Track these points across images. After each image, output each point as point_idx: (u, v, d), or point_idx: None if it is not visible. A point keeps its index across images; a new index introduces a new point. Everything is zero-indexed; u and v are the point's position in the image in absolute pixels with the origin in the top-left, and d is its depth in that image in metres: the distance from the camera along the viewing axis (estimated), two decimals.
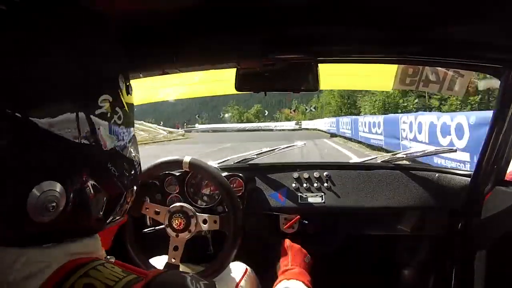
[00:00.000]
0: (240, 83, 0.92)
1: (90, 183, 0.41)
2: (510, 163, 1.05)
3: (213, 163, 1.32)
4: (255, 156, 1.41)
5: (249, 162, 1.40)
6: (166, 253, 1.06)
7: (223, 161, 1.41)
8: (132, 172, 0.48)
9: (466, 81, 1.44)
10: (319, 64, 0.89)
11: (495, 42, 0.79)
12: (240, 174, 1.26)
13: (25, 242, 0.38)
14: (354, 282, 1.42)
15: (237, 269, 1.14)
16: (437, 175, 1.26)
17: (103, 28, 0.46)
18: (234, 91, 0.95)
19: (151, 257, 1.11)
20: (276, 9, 0.65)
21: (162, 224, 1.03)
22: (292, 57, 0.88)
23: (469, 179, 1.19)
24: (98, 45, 0.44)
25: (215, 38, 0.79)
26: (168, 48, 0.83)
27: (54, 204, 0.37)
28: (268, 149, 1.43)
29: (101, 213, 0.44)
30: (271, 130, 34.41)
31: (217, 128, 41.16)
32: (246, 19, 0.69)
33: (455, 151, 1.49)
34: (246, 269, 1.15)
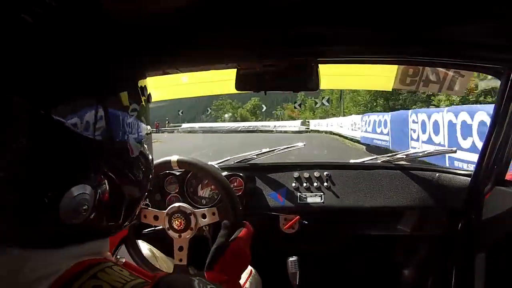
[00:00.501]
0: (240, 83, 0.93)
1: (116, 186, 0.42)
2: (510, 163, 1.05)
3: (213, 163, 1.32)
4: (255, 156, 1.42)
5: (249, 162, 1.40)
6: (167, 253, 1.05)
7: (223, 161, 1.41)
8: (150, 177, 0.50)
9: (466, 81, 1.44)
10: (319, 64, 0.89)
11: (495, 42, 0.79)
12: (240, 174, 1.26)
13: (44, 244, 0.39)
14: (353, 282, 1.42)
15: None
16: (437, 175, 1.26)
17: (122, 32, 0.48)
18: (234, 91, 0.95)
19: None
20: (276, 9, 0.65)
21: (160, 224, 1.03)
22: (292, 57, 0.88)
23: (469, 179, 1.18)
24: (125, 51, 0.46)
25: (215, 38, 0.79)
26: (168, 48, 0.83)
27: (86, 207, 0.39)
28: (268, 149, 1.44)
29: (121, 215, 0.45)
30: (271, 131, 27.11)
31: (204, 128, 32.98)
32: (246, 19, 0.69)
33: (455, 151, 1.49)
34: (251, 270, 1.14)
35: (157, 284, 0.38)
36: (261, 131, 27.34)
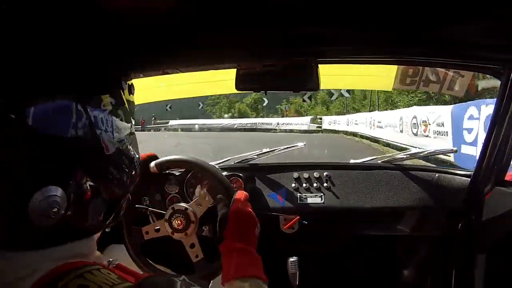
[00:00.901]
0: (240, 83, 0.93)
1: (92, 187, 0.40)
2: (511, 163, 1.05)
3: (213, 163, 1.32)
4: (255, 156, 1.41)
5: (249, 162, 1.40)
6: (168, 253, 1.05)
7: (223, 161, 1.40)
8: (133, 173, 0.48)
9: (466, 81, 1.44)
10: (319, 64, 0.89)
11: (495, 42, 0.79)
12: (240, 174, 1.26)
13: (24, 245, 0.38)
14: (353, 282, 1.42)
15: None
16: (437, 175, 1.26)
17: (109, 28, 0.47)
18: (234, 91, 0.95)
19: (154, 259, 1.10)
20: (276, 9, 0.65)
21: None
22: (292, 57, 0.88)
23: (469, 179, 1.18)
24: (102, 45, 0.45)
25: (214, 38, 0.79)
26: (168, 48, 0.83)
27: (56, 209, 0.37)
28: (268, 149, 1.43)
29: (101, 215, 0.43)
30: (274, 130, 22.36)
31: (194, 126, 27.22)
32: (245, 19, 0.69)
33: (456, 151, 1.49)
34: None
35: (139, 285, 0.38)
36: (261, 130, 22.96)
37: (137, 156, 0.50)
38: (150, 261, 1.05)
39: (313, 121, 21.90)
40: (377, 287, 1.44)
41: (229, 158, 1.45)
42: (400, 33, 0.77)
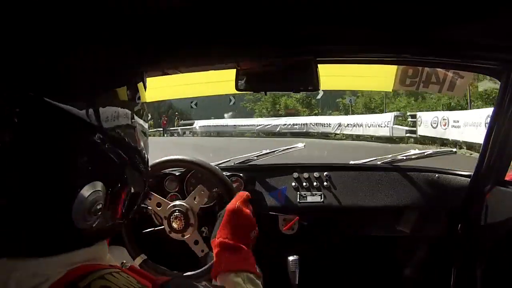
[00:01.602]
0: (239, 83, 0.93)
1: (124, 180, 0.40)
2: (511, 163, 1.05)
3: (213, 164, 1.32)
4: (256, 157, 1.42)
5: (250, 163, 1.40)
6: (167, 253, 1.05)
7: (223, 162, 1.41)
8: (149, 169, 0.48)
9: (466, 82, 1.44)
10: (319, 64, 0.89)
11: (494, 43, 0.79)
12: (241, 175, 1.26)
13: (57, 250, 0.36)
14: (353, 283, 1.42)
15: None
16: (436, 175, 1.26)
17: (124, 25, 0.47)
18: (234, 91, 0.95)
19: (155, 259, 1.10)
20: (276, 9, 0.65)
21: (161, 225, 1.03)
22: (292, 57, 0.88)
23: (469, 179, 1.18)
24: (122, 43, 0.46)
25: (214, 38, 0.79)
26: (167, 49, 0.83)
27: (100, 206, 0.36)
28: (268, 150, 1.44)
29: (125, 209, 0.42)
30: (334, 135, 13.42)
31: (227, 128, 17.43)
32: (245, 19, 0.69)
33: (455, 152, 1.49)
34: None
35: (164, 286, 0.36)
36: (316, 134, 13.98)
37: (148, 150, 0.49)
38: (155, 264, 1.04)
39: (399, 120, 11.12)
40: (376, 287, 1.44)
41: (229, 159, 1.45)
42: (400, 33, 0.77)
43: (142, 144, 0.43)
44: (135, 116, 0.41)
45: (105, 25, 0.45)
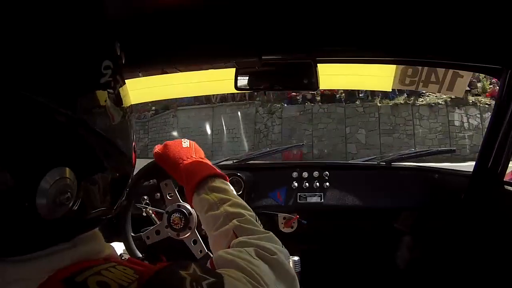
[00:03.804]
0: (239, 83, 0.92)
1: (100, 164, 0.35)
2: (510, 163, 1.05)
3: (212, 163, 1.32)
4: (255, 156, 1.42)
5: (249, 162, 1.40)
6: (171, 253, 1.04)
7: (222, 161, 1.40)
8: (136, 149, 0.42)
9: (465, 81, 1.44)
10: (318, 64, 0.89)
11: (494, 43, 0.79)
12: (239, 174, 1.26)
13: (30, 248, 0.32)
14: (352, 282, 1.42)
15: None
16: (436, 175, 1.26)
17: None
18: (233, 90, 0.95)
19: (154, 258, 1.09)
20: (275, 9, 0.65)
21: (159, 223, 1.02)
22: (292, 57, 0.88)
23: (468, 179, 1.19)
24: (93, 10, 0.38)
25: (214, 38, 0.79)
26: (167, 48, 0.83)
27: (69, 194, 0.31)
28: (268, 150, 1.44)
29: (109, 197, 0.38)
30: None
31: None
32: (245, 19, 0.69)
33: (454, 151, 1.49)
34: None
35: (146, 284, 0.33)
36: None
37: (132, 127, 0.43)
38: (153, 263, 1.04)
39: None
40: (376, 286, 1.45)
41: (228, 158, 1.45)
42: (400, 33, 0.77)
43: (121, 123, 0.38)
44: (108, 94, 0.36)
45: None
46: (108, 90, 0.36)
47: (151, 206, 1.06)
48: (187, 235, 0.99)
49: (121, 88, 0.39)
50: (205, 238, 1.04)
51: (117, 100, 0.38)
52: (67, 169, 0.31)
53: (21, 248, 0.32)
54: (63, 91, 0.31)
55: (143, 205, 1.08)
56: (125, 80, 0.42)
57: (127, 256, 0.42)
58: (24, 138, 0.29)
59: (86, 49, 0.35)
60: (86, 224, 0.37)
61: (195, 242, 0.99)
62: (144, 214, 1.06)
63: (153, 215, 1.07)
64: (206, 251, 0.98)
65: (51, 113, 0.30)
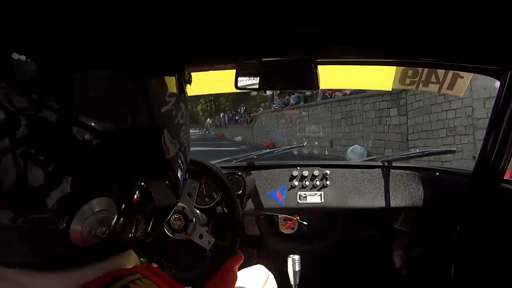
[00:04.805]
0: (239, 83, 0.93)
1: (146, 195, 0.33)
2: (510, 163, 1.05)
3: (213, 162, 1.32)
4: (255, 156, 1.42)
5: (249, 162, 1.41)
6: (169, 253, 1.04)
7: (223, 161, 1.41)
8: (187, 179, 0.41)
9: (465, 81, 1.44)
10: (318, 64, 0.89)
11: (494, 43, 0.79)
12: (240, 173, 1.26)
13: (56, 265, 0.31)
14: (352, 282, 1.42)
15: (258, 274, 1.07)
16: (437, 174, 1.26)
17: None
18: (233, 90, 0.95)
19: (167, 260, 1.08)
20: (275, 9, 0.64)
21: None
22: (292, 57, 0.88)
23: (468, 178, 1.19)
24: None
25: (214, 38, 0.79)
26: (167, 48, 0.82)
27: (105, 228, 0.29)
28: (268, 150, 1.44)
29: (149, 227, 0.36)
30: None
31: None
32: (245, 18, 0.69)
33: (454, 151, 1.49)
34: (268, 275, 1.09)
35: None
36: None
37: (188, 157, 0.41)
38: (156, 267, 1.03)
39: None
40: (376, 286, 1.44)
41: (229, 157, 1.45)
42: (400, 34, 0.77)
43: (175, 151, 0.35)
44: (167, 125, 0.33)
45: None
46: (168, 120, 0.33)
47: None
48: (191, 233, 0.98)
49: (182, 117, 0.36)
50: (185, 248, 1.03)
51: (176, 131, 0.35)
52: (111, 201, 0.29)
53: (49, 263, 0.31)
54: (118, 121, 0.29)
55: None
56: None
57: (145, 264, 0.41)
58: (77, 162, 0.28)
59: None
60: (118, 248, 0.35)
61: (201, 236, 0.98)
62: None
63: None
64: (214, 240, 0.97)
65: (104, 139, 0.29)
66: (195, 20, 0.66)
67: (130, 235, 0.34)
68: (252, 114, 18.07)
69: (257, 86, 0.95)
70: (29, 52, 0.25)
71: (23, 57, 0.25)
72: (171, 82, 0.34)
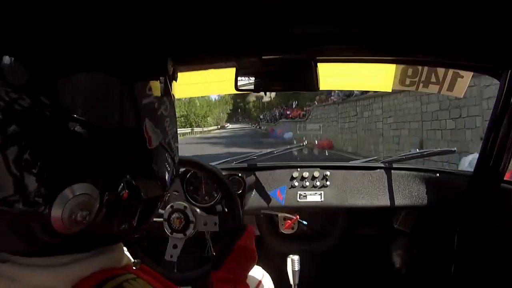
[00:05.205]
0: (239, 83, 0.93)
1: (130, 185, 0.34)
2: (510, 163, 1.05)
3: (213, 163, 1.32)
4: (255, 157, 1.42)
5: (250, 162, 1.41)
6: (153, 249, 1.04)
7: (223, 161, 1.40)
8: (174, 173, 0.42)
9: (466, 81, 1.44)
10: (318, 64, 0.89)
11: (494, 43, 0.79)
12: (240, 174, 1.26)
13: (42, 253, 0.32)
14: (352, 282, 1.42)
15: (253, 275, 1.06)
16: (437, 174, 1.26)
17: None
18: (233, 91, 0.95)
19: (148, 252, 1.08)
20: (275, 9, 0.64)
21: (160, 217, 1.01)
22: (292, 57, 0.88)
23: (469, 178, 1.18)
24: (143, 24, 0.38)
25: (214, 38, 0.79)
26: (167, 48, 0.82)
27: (87, 213, 0.30)
28: (269, 150, 1.44)
29: (135, 218, 0.37)
30: None
31: None
32: (245, 18, 0.69)
33: (454, 151, 1.49)
34: (263, 275, 1.09)
35: None
36: None
37: (177, 155, 0.43)
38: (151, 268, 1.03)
39: None
40: (376, 286, 1.44)
41: (229, 158, 1.45)
42: (400, 33, 0.77)
43: (158, 141, 0.36)
44: (149, 116, 0.35)
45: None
46: (149, 111, 0.35)
47: None
48: (194, 226, 0.98)
49: (166, 110, 0.38)
50: (186, 246, 1.03)
51: (159, 122, 0.36)
52: (92, 186, 0.31)
53: (38, 253, 0.32)
54: (99, 110, 0.31)
55: None
56: None
57: (139, 264, 0.42)
58: (55, 148, 0.29)
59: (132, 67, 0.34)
60: (105, 240, 0.36)
61: (175, 246, 0.98)
62: None
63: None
64: (175, 261, 0.97)
65: (86, 127, 0.30)
66: (193, 17, 0.66)
67: (116, 226, 0.35)
68: (305, 109, 17.17)
69: (256, 87, 0.95)
70: (19, 57, 0.27)
71: (12, 61, 0.27)
72: (154, 83, 0.36)
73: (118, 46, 0.34)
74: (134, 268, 0.39)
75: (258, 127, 29.72)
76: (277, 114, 23.63)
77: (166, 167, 0.39)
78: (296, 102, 21.67)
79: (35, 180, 0.28)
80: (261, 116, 31.29)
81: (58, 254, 0.32)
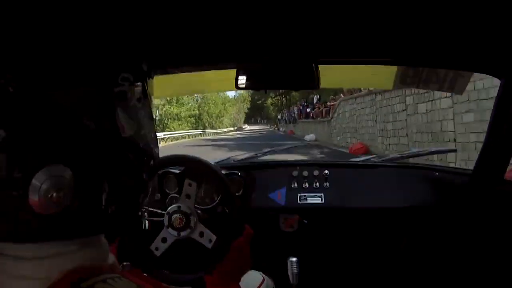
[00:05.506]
0: (239, 82, 0.92)
1: (104, 172, 0.35)
2: (510, 162, 1.05)
3: (213, 162, 1.32)
4: (255, 155, 1.42)
5: (249, 161, 1.41)
6: (180, 254, 1.03)
7: (223, 160, 1.41)
8: (150, 165, 0.42)
9: (466, 81, 1.43)
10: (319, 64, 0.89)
11: (494, 43, 0.79)
12: (239, 173, 1.26)
13: (23, 237, 0.33)
14: (353, 282, 1.43)
15: (252, 279, 1.05)
16: (437, 174, 1.26)
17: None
18: (233, 88, 0.95)
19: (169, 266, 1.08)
20: (275, 9, 0.64)
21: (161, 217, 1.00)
22: (292, 57, 0.88)
23: (468, 177, 1.19)
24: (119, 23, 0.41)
25: (214, 38, 0.79)
26: (167, 48, 0.82)
27: (61, 194, 0.32)
28: (269, 149, 1.44)
29: (113, 208, 0.38)
30: None
31: None
32: (245, 18, 0.69)
33: (455, 151, 1.49)
34: (263, 279, 1.08)
35: None
36: None
37: (156, 150, 0.43)
38: (167, 272, 1.02)
39: None
40: (376, 286, 1.45)
41: (229, 157, 1.45)
42: (400, 33, 0.77)
43: (134, 136, 0.38)
44: (121, 104, 0.37)
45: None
46: (122, 100, 0.37)
47: (151, 207, 1.05)
48: (190, 231, 0.97)
49: (139, 102, 0.39)
50: (210, 225, 1.03)
51: (132, 113, 0.38)
52: (64, 167, 0.32)
53: (19, 235, 0.33)
54: (71, 90, 0.33)
55: (143, 206, 1.06)
56: None
57: (128, 268, 0.41)
58: (26, 130, 0.30)
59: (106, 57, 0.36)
60: (88, 228, 0.37)
61: (202, 234, 0.97)
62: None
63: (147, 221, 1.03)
64: (215, 237, 0.95)
65: (57, 109, 0.32)
66: (193, 18, 0.66)
67: (94, 217, 0.36)
68: (329, 103, 14.12)
69: (256, 85, 0.95)
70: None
71: None
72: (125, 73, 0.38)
73: (101, 66, 0.36)
74: (121, 269, 0.40)
75: (276, 128, 27.32)
76: (296, 112, 20.67)
77: (143, 158, 0.40)
78: (318, 97, 18.09)
79: (9, 161, 0.30)
80: (279, 116, 28.37)
81: (44, 240, 0.34)
